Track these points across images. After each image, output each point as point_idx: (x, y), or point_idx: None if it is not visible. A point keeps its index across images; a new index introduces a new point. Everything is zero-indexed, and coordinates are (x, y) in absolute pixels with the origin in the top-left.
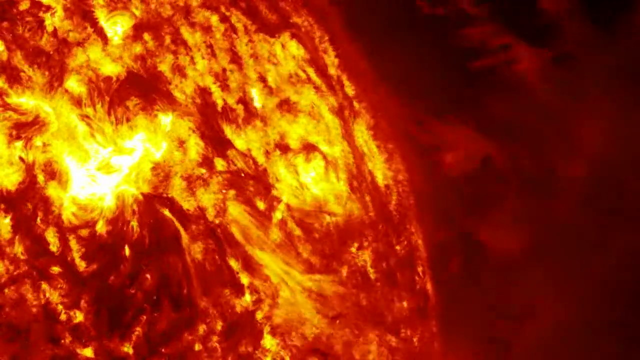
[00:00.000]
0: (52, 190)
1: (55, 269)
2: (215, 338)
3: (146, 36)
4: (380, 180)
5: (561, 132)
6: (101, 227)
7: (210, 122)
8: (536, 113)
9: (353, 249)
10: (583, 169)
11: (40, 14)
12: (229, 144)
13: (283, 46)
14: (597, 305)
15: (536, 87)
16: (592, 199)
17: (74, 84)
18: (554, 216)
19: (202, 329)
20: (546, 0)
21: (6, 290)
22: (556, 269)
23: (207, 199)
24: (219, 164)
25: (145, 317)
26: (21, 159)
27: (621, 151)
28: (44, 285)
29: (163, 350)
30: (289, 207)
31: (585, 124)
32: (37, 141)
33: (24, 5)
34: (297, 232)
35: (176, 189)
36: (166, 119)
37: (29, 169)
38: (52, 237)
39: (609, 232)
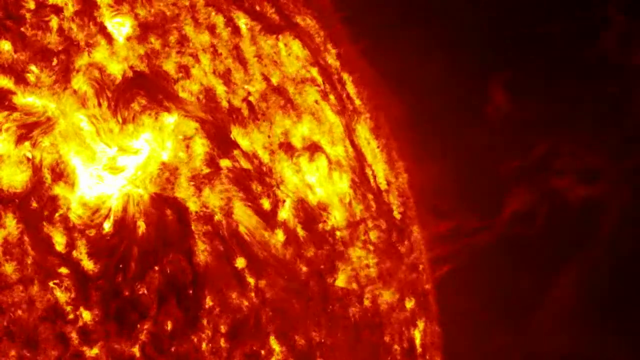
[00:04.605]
0: (60, 190)
1: (63, 269)
2: (221, 338)
3: (151, 36)
4: (382, 180)
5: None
6: (108, 227)
7: (216, 122)
8: (537, 110)
9: (356, 249)
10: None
11: (47, 13)
12: (234, 144)
13: (286, 46)
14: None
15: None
16: None
17: (80, 84)
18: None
19: (208, 329)
20: None
21: (14, 290)
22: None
23: (212, 199)
24: (225, 163)
25: (152, 317)
26: (28, 159)
27: None
28: (52, 285)
29: (170, 350)
30: (293, 207)
31: None
32: (44, 141)
33: (30, 5)
34: (302, 232)
35: (182, 189)
36: (172, 119)
37: (36, 169)
38: (59, 237)
39: None
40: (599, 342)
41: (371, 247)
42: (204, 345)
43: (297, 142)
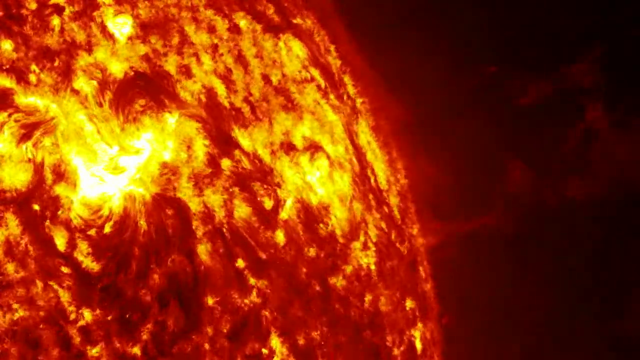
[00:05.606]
0: (61, 191)
1: (65, 269)
2: (222, 338)
3: (152, 36)
4: (382, 180)
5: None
6: (109, 228)
7: (217, 122)
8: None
9: (357, 249)
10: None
11: (48, 14)
12: (235, 144)
13: (286, 46)
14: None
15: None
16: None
17: (81, 84)
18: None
19: (209, 329)
20: None
21: (16, 291)
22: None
23: (214, 199)
24: (226, 163)
25: (153, 317)
26: (30, 159)
27: None
28: (54, 285)
29: (171, 350)
30: (294, 207)
31: None
32: (46, 141)
33: (31, 5)
34: (302, 232)
35: (183, 189)
36: (173, 119)
37: (38, 169)
38: (60, 238)
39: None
40: (598, 340)
41: (371, 247)
42: (205, 345)
43: (297, 142)
